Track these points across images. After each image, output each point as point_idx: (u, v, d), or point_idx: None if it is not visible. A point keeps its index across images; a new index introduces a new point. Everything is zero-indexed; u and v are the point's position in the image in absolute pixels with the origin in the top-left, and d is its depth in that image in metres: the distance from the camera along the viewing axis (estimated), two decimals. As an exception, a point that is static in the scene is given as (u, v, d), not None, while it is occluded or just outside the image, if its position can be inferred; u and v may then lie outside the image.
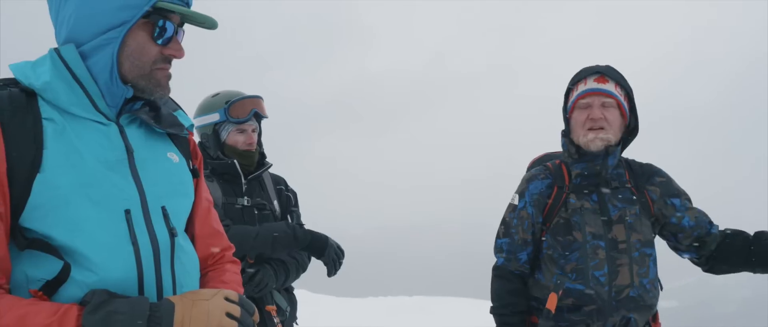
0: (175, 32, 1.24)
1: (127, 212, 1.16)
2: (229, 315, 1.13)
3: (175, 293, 1.21)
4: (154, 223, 1.20)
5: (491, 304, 2.21)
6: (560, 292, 2.03)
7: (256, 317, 1.21)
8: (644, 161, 2.23)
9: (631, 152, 2.22)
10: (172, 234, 1.23)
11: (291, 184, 2.65)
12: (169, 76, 1.26)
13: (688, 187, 2.19)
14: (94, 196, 1.13)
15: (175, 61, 1.27)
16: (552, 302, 2.01)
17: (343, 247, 2.44)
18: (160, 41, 1.21)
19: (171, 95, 1.33)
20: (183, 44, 1.27)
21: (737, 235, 2.10)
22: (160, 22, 1.20)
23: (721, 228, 2.15)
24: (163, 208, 1.23)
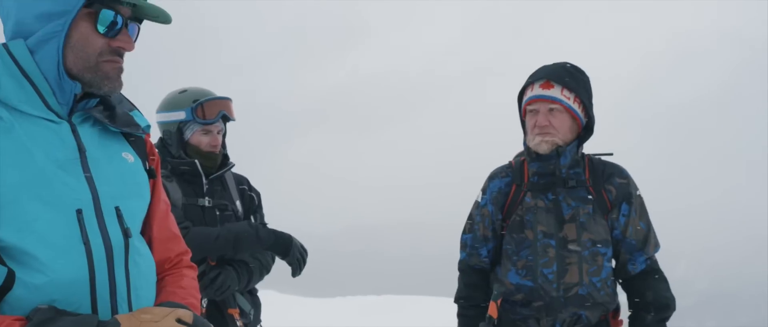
0: (125, 24, 1.20)
1: (79, 212, 1.13)
2: None
3: (129, 296, 1.18)
4: (107, 223, 1.17)
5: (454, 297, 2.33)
6: (499, 301, 2.15)
7: None
8: (610, 160, 2.22)
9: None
10: (126, 235, 1.20)
11: (263, 184, 2.61)
12: (119, 70, 1.21)
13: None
14: (44, 196, 1.10)
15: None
16: (493, 310, 2.14)
17: (313, 246, 2.43)
18: (104, 32, 1.16)
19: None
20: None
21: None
22: (103, 12, 1.15)
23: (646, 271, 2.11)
24: (117, 209, 1.20)
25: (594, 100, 2.20)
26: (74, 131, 1.20)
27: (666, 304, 2.12)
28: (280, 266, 2.51)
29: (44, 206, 1.09)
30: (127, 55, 1.24)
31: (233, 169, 2.53)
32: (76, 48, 1.15)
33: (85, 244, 1.12)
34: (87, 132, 1.23)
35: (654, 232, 2.18)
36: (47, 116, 1.17)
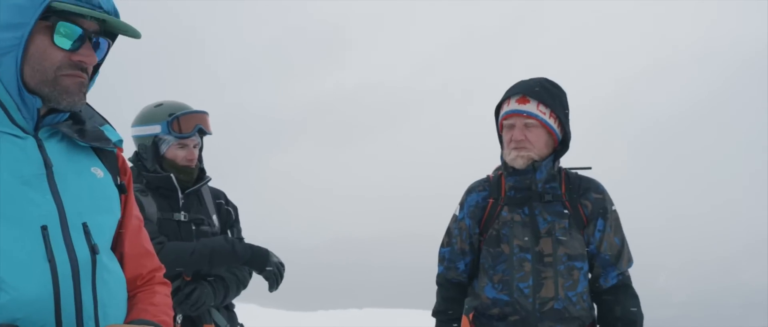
0: (89, 38, 1.17)
1: (44, 229, 1.10)
2: None
3: (96, 314, 1.15)
4: (73, 240, 1.14)
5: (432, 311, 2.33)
6: (471, 316, 2.16)
7: None
8: (588, 175, 2.24)
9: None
10: (94, 251, 1.17)
11: (248, 196, 2.59)
12: (80, 84, 1.18)
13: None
14: (7, 213, 1.07)
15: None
16: (465, 324, 2.15)
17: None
18: (61, 45, 1.14)
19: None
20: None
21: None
22: (59, 25, 1.13)
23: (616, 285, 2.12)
24: (84, 225, 1.17)
25: (573, 114, 2.22)
26: (40, 146, 1.17)
27: (633, 320, 2.14)
28: (261, 280, 2.48)
29: (7, 223, 1.07)
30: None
31: (210, 183, 2.51)
32: (32, 61, 1.13)
33: (49, 261, 1.09)
34: (54, 147, 1.21)
35: (628, 248, 2.20)
36: (12, 131, 1.14)
